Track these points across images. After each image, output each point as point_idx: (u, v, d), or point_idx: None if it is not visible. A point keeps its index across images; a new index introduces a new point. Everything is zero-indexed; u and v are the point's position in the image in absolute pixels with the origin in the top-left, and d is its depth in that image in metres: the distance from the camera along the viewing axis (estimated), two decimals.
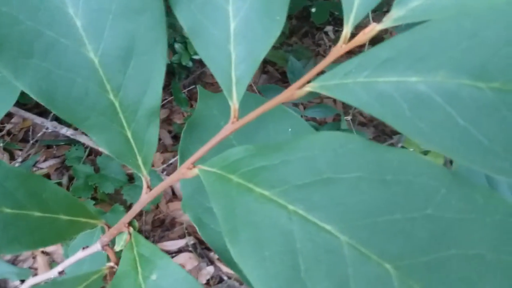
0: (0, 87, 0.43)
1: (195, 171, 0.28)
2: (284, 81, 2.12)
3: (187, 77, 1.85)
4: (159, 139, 1.83)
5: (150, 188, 0.30)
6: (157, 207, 1.40)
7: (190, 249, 1.28)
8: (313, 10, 1.95)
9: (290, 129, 0.36)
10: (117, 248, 0.32)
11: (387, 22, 0.25)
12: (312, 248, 0.21)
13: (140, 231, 1.34)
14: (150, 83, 0.27)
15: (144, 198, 0.30)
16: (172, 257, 1.25)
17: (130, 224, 0.32)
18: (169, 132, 1.87)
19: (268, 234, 0.22)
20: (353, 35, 0.27)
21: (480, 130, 0.20)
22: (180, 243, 1.28)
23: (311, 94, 0.26)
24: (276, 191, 0.23)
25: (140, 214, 1.38)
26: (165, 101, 1.89)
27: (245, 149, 0.26)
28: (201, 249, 1.30)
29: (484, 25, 0.21)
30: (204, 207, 0.34)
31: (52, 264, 1.24)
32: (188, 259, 1.24)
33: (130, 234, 0.31)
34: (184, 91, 1.83)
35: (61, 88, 0.25)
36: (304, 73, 1.23)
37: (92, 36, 0.25)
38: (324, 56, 2.06)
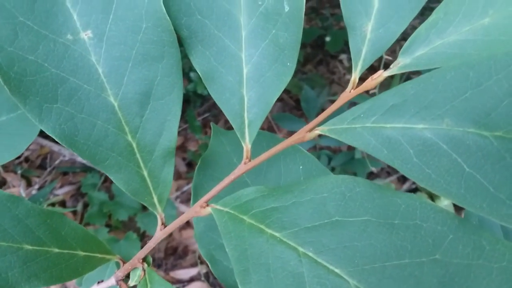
0: (21, 122, 0.45)
1: (208, 209, 0.29)
2: (298, 108, 2.14)
3: (201, 105, 1.88)
4: (174, 166, 1.85)
5: (164, 225, 0.31)
6: (170, 234, 1.40)
7: (202, 278, 1.27)
8: (328, 38, 1.98)
9: (301, 167, 0.36)
10: (131, 283, 0.33)
11: (394, 69, 0.26)
12: None
13: (153, 259, 1.34)
14: (166, 125, 0.28)
15: (159, 235, 0.31)
16: (184, 286, 1.25)
17: (144, 260, 0.32)
18: (183, 159, 1.89)
19: (279, 276, 0.23)
20: (363, 79, 0.28)
21: (485, 177, 0.21)
22: (192, 271, 1.28)
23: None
24: (287, 233, 0.24)
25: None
26: (180, 128, 1.92)
27: (257, 190, 0.27)
28: (213, 278, 1.30)
29: (486, 75, 0.22)
30: (217, 244, 0.35)
31: None
32: None
33: (144, 270, 0.31)
34: (199, 119, 1.86)
35: (82, 130, 0.27)
36: (318, 103, 1.24)
37: (112, 82, 0.27)
38: (338, 84, 2.07)
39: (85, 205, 1.44)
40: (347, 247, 0.22)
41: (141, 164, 0.29)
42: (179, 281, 1.26)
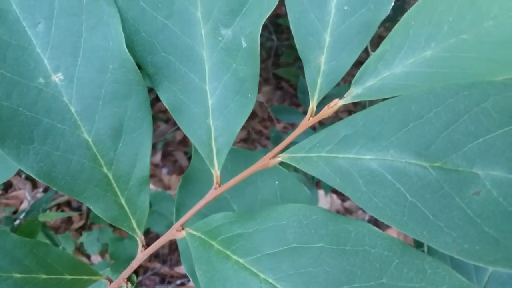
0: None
1: (183, 233, 0.31)
2: (298, 96, 2.15)
3: None
4: (176, 161, 1.88)
5: (145, 247, 0.33)
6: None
7: None
8: None
9: (277, 182, 0.38)
10: None
11: (348, 98, 0.27)
12: None
13: (157, 255, 1.38)
14: (138, 156, 0.30)
15: (140, 257, 0.33)
16: (189, 280, 1.28)
17: (128, 279, 0.34)
18: (185, 153, 1.91)
19: None
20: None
21: (426, 206, 0.22)
22: None
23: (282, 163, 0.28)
24: (249, 259, 0.26)
25: (157, 238, 1.41)
26: None
27: (225, 215, 0.29)
28: None
29: (427, 108, 0.23)
30: None
31: None
32: None
33: None
34: None
35: (59, 167, 0.28)
36: None
37: (85, 120, 0.28)
38: None
39: None
40: (303, 273, 0.24)
41: (118, 193, 0.30)
42: (183, 276, 1.29)
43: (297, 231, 0.25)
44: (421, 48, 0.25)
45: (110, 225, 1.35)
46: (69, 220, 1.42)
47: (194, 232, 0.29)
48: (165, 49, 0.29)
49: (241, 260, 0.26)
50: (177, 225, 0.31)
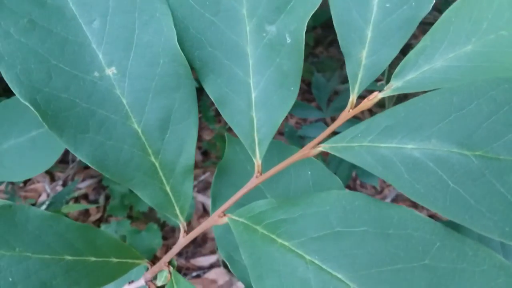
0: (50, 137, 0.48)
1: (225, 219, 0.32)
2: (310, 92, 2.15)
3: None
4: None
5: (187, 232, 0.35)
6: (189, 223, 1.45)
7: (221, 264, 1.32)
8: None
9: (309, 172, 0.39)
10: (158, 283, 0.37)
11: (387, 91, 0.28)
12: None
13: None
14: (184, 146, 0.31)
15: (182, 241, 0.35)
16: (204, 272, 1.30)
17: (169, 263, 0.36)
18: (199, 148, 1.93)
19: (289, 281, 0.26)
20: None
21: (467, 192, 0.24)
22: (212, 258, 1.33)
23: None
24: (295, 242, 0.27)
25: (173, 231, 1.43)
26: None
27: (268, 202, 0.30)
28: None
29: (468, 100, 0.24)
30: (234, 245, 0.38)
31: None
32: (220, 275, 1.29)
33: (170, 272, 0.35)
34: (212, 108, 1.89)
35: (111, 155, 0.30)
36: (328, 89, 1.25)
37: (136, 111, 0.30)
38: None
39: (107, 198, 1.49)
40: (348, 255, 0.25)
41: (164, 181, 0.32)
42: (199, 268, 1.31)
43: (341, 216, 0.27)
44: (462, 43, 0.26)
45: (128, 217, 1.37)
46: (86, 213, 1.45)
47: (238, 218, 0.31)
48: (212, 44, 0.30)
49: (286, 243, 0.27)
50: (218, 211, 0.33)
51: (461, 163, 0.24)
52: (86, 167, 1.61)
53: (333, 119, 1.85)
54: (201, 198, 1.54)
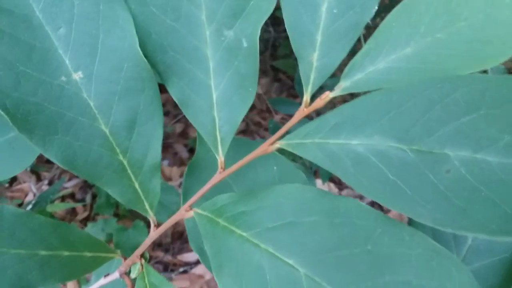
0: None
1: (191, 213, 0.34)
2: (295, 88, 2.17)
3: None
4: (176, 153, 1.91)
5: (156, 226, 0.37)
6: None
7: None
8: None
9: (275, 167, 0.42)
10: (133, 276, 0.38)
11: (337, 91, 0.30)
12: (278, 279, 0.27)
13: (160, 244, 1.41)
14: (150, 145, 0.33)
15: (152, 235, 0.37)
16: (191, 267, 1.32)
17: (142, 256, 0.38)
18: (185, 145, 1.95)
19: (245, 269, 0.28)
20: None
21: (405, 183, 0.26)
22: (196, 256, 1.35)
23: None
24: (252, 232, 0.29)
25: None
26: (181, 116, 1.97)
27: (229, 196, 0.32)
28: None
29: (406, 99, 0.27)
30: None
31: None
32: (206, 270, 1.31)
33: (142, 265, 0.37)
34: None
35: (81, 155, 0.32)
36: None
37: (103, 113, 0.32)
38: None
39: (93, 196, 1.51)
40: (299, 243, 0.28)
41: (133, 178, 0.34)
42: (186, 264, 1.33)
43: (294, 208, 0.29)
44: (402, 46, 0.28)
45: (114, 215, 1.39)
46: (73, 212, 1.46)
47: (202, 212, 0.33)
48: (174, 49, 0.32)
49: (244, 234, 0.29)
50: (185, 206, 0.35)
51: (399, 157, 0.26)
52: None
53: (318, 113, 1.88)
54: None
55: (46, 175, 1.49)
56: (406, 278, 0.25)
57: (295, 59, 0.31)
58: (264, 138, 1.87)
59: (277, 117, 2.07)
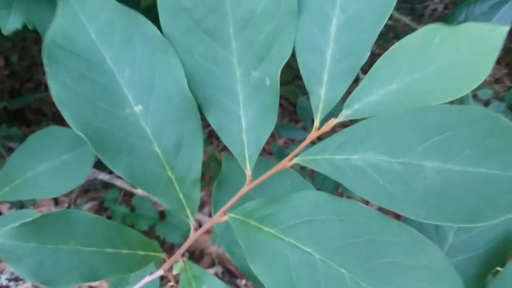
0: (78, 160, 0.58)
1: (226, 217, 0.42)
2: (296, 113, 2.26)
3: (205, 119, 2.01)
4: None
5: (196, 229, 0.45)
6: (187, 237, 1.54)
7: (220, 277, 1.41)
8: None
9: (289, 181, 0.50)
10: (175, 272, 0.46)
11: (340, 118, 0.39)
12: (299, 264, 0.35)
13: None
14: (192, 163, 0.42)
15: (193, 237, 0.45)
16: None
17: (183, 255, 0.46)
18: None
19: (273, 257, 0.36)
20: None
21: (393, 188, 0.34)
22: (210, 272, 1.42)
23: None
24: (277, 229, 0.37)
25: (172, 247, 1.52)
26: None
27: (257, 202, 0.40)
28: (229, 277, 1.44)
29: (393, 124, 0.35)
30: (233, 240, 0.48)
31: None
32: None
33: (184, 262, 0.45)
34: (205, 131, 1.99)
35: (139, 171, 0.40)
36: (312, 110, 1.36)
37: (156, 137, 0.41)
38: None
39: (109, 218, 1.58)
40: (314, 236, 0.36)
41: (178, 190, 0.42)
42: None
43: (309, 209, 0.37)
44: (388, 83, 0.37)
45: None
46: None
47: (235, 216, 0.41)
48: (211, 86, 0.41)
49: (271, 230, 0.37)
50: (220, 212, 0.43)
51: (388, 168, 0.35)
52: (87, 191, 1.70)
53: (319, 138, 1.97)
54: (197, 216, 1.63)
55: (64, 199, 1.58)
56: (396, 259, 0.34)
57: (297, 85, 0.40)
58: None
59: (280, 141, 2.15)
